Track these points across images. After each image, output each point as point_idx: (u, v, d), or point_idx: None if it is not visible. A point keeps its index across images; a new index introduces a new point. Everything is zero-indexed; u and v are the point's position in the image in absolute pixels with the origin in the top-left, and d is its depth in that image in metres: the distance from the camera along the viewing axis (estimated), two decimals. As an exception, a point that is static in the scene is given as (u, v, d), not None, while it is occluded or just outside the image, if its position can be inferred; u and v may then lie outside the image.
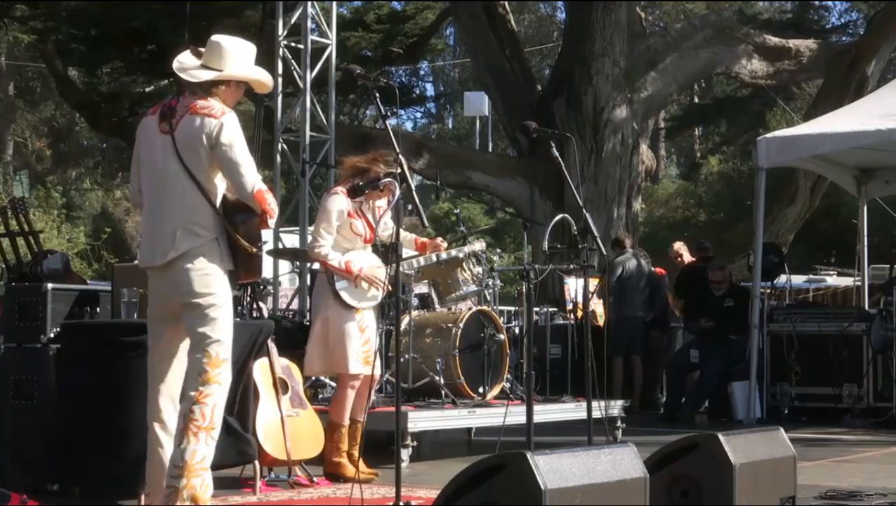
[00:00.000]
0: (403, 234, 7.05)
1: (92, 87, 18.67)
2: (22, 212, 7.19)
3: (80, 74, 19.89)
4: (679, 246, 13.42)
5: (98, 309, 6.17)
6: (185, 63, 4.89)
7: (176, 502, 4.68)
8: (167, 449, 4.84)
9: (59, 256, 6.92)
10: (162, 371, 4.92)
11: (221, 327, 4.82)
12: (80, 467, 5.70)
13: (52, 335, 5.87)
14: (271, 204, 4.83)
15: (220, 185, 4.87)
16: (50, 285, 5.99)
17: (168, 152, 4.80)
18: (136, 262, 6.33)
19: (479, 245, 8.29)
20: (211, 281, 4.79)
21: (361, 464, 6.46)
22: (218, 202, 4.85)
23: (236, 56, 4.93)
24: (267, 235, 5.92)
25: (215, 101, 4.84)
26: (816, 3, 26.82)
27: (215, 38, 4.97)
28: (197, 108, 4.79)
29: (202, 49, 4.94)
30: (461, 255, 7.97)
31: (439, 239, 7.45)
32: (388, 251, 7.09)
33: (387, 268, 6.59)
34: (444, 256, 7.77)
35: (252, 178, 4.79)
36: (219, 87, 4.88)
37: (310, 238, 6.92)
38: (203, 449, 4.73)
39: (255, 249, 4.87)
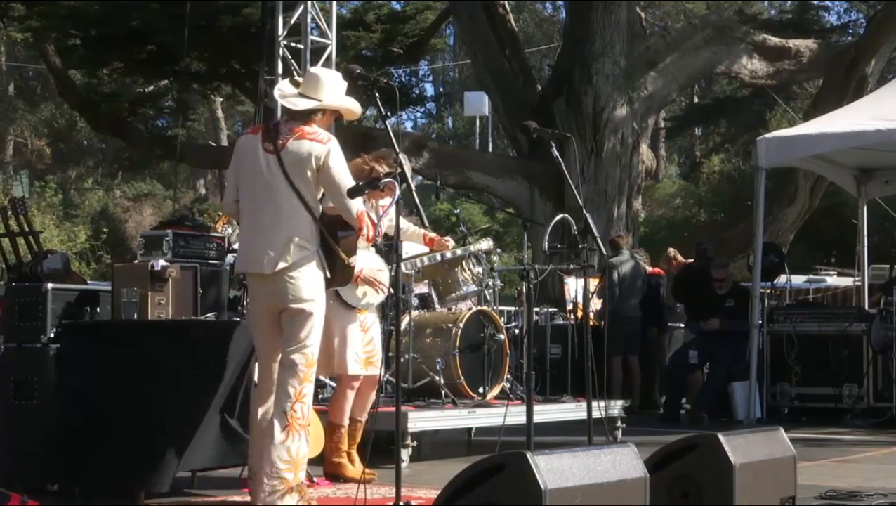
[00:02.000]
0: (412, 228, 7.07)
1: (92, 87, 18.67)
2: (22, 212, 7.17)
3: (80, 74, 19.88)
4: (673, 252, 13.58)
5: (98, 309, 6.17)
6: (286, 91, 5.40)
7: (287, 495, 5.11)
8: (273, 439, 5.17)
9: (59, 256, 6.90)
10: (270, 367, 5.34)
11: (317, 331, 5.30)
12: (80, 467, 5.70)
13: (52, 335, 5.87)
14: (366, 223, 5.33)
15: (319, 201, 5.31)
16: (50, 285, 5.99)
17: (275, 170, 5.22)
18: (136, 261, 6.36)
19: (485, 244, 8.28)
20: (315, 288, 5.26)
21: (359, 464, 6.46)
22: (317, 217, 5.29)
23: (331, 87, 5.38)
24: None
25: (317, 127, 5.30)
26: (816, 3, 26.81)
27: (314, 70, 5.63)
28: (305, 133, 5.24)
29: (299, 79, 5.48)
30: (466, 253, 7.96)
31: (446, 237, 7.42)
32: (389, 251, 7.09)
33: (389, 269, 6.58)
34: (448, 254, 7.77)
35: (356, 200, 5.25)
36: (316, 115, 5.34)
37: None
38: (305, 445, 5.23)
39: (349, 261, 5.39)
